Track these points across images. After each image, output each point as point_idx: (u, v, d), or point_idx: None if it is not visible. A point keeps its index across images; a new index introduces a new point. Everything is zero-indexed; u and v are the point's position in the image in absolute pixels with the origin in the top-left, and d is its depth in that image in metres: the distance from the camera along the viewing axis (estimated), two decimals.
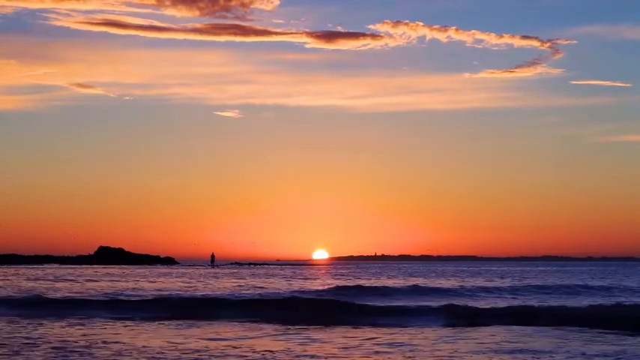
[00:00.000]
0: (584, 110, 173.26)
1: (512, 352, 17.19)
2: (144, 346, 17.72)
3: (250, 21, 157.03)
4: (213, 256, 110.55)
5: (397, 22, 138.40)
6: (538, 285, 48.24)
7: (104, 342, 18.65)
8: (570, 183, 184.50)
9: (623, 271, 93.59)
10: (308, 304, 28.97)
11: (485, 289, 43.68)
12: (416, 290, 41.98)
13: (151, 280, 56.14)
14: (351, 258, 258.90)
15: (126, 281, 52.82)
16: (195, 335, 20.23)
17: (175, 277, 64.09)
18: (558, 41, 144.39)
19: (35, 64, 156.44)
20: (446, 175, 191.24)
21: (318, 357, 16.34)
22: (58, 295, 35.56)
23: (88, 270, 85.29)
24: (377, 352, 17.10)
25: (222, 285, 47.63)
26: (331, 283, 51.09)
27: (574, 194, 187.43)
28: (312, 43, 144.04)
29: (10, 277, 58.97)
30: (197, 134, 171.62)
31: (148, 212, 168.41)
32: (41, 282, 50.67)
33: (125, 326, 22.76)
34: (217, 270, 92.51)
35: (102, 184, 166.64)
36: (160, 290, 40.77)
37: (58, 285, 46.39)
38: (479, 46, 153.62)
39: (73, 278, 57.63)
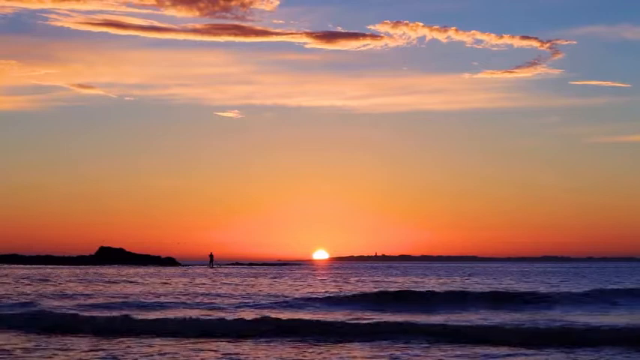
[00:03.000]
0: (584, 110, 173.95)
1: None
2: None
3: (250, 21, 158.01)
4: (211, 256, 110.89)
5: (397, 23, 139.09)
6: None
7: None
8: (570, 183, 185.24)
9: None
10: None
11: None
12: None
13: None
14: (351, 258, 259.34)
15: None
16: None
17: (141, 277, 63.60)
18: (558, 42, 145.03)
19: (36, 65, 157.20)
20: (446, 176, 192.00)
21: None
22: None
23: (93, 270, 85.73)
24: None
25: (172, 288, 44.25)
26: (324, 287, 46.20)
27: (574, 194, 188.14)
28: (312, 44, 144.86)
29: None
30: (197, 134, 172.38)
31: (149, 212, 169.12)
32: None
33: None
34: (192, 271, 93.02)
35: (102, 184, 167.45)
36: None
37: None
38: (479, 47, 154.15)
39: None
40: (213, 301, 34.26)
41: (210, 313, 27.69)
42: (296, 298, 34.78)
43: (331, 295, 36.92)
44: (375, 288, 43.69)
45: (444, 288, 43.14)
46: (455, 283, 53.51)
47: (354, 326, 23.23)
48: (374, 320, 24.38)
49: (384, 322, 23.68)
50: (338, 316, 26.88)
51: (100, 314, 26.33)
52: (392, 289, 39.83)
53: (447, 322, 23.49)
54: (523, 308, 30.56)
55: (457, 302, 33.07)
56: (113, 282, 51.78)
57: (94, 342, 20.54)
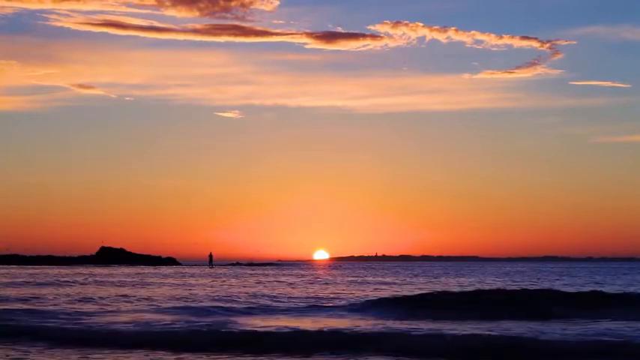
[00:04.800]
0: (584, 111, 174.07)
1: None
2: None
3: (250, 21, 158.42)
4: (211, 255, 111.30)
5: (397, 23, 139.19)
6: None
7: None
8: (570, 183, 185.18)
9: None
10: None
11: None
12: None
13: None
14: (351, 258, 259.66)
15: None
16: None
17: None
18: (558, 42, 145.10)
19: (36, 65, 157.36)
20: (446, 176, 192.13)
21: None
22: None
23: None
24: None
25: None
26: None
27: (574, 194, 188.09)
28: (312, 44, 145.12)
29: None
30: (198, 135, 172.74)
31: (149, 213, 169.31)
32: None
33: None
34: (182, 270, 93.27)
35: (103, 184, 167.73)
36: None
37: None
38: (478, 47, 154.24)
39: None
40: (320, 304, 32.27)
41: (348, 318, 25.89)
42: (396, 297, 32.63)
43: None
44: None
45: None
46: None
47: None
48: None
49: None
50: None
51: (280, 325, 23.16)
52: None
53: None
54: None
55: None
56: (195, 284, 50.52)
57: None
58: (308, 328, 21.66)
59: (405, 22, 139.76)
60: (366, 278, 63.02)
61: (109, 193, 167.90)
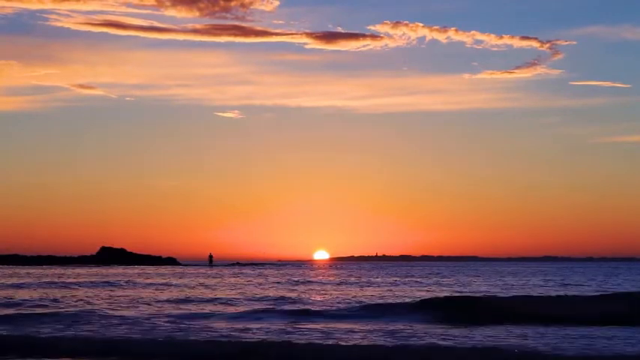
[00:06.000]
0: (584, 111, 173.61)
1: None
2: None
3: (250, 22, 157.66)
4: (211, 256, 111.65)
5: (397, 23, 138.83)
6: None
7: None
8: (570, 183, 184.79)
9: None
10: None
11: None
12: None
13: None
14: (352, 258, 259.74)
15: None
16: None
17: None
18: (558, 42, 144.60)
19: (36, 65, 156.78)
20: (446, 176, 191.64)
21: None
22: None
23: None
24: None
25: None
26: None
27: (574, 194, 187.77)
28: (312, 44, 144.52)
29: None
30: (198, 135, 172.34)
31: (150, 213, 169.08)
32: None
33: None
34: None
35: (103, 184, 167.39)
36: None
37: None
38: (478, 47, 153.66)
39: None
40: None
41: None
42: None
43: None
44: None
45: None
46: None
47: None
48: None
49: None
50: None
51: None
52: None
53: None
54: None
55: None
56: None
57: None
58: None
59: (405, 22, 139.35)
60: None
61: (109, 193, 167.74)
